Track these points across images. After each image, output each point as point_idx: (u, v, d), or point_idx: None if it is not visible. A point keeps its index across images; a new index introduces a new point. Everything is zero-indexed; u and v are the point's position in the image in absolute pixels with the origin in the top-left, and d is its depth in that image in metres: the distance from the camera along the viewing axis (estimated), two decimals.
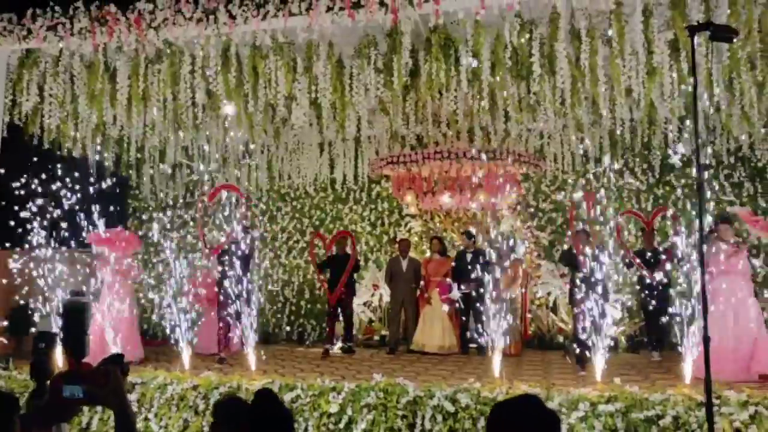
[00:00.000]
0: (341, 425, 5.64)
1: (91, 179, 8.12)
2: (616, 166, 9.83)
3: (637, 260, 8.25)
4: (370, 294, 10.09)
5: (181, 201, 11.78)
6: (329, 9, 6.15)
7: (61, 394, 1.88)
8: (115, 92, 7.05)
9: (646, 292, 8.04)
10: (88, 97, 7.14)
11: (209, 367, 7.21)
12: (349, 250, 9.12)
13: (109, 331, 7.55)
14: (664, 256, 8.07)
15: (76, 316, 2.24)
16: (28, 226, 7.60)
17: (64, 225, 7.63)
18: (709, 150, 9.38)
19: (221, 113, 7.59)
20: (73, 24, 6.79)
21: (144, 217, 11.95)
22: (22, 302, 7.86)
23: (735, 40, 4.15)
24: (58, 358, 2.21)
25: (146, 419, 6.04)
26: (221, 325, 7.97)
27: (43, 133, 7.81)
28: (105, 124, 7.98)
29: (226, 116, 7.98)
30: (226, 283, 7.38)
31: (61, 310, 2.19)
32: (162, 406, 6.11)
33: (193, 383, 6.25)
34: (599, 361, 6.34)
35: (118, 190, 8.34)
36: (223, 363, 7.69)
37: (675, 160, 8.58)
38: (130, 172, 10.94)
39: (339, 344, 8.91)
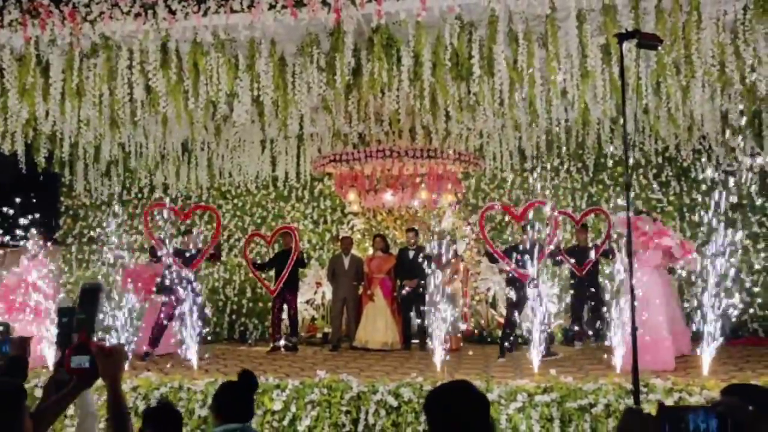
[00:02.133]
0: (285, 422, 5.67)
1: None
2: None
3: (566, 256, 8.64)
4: (313, 291, 10.10)
5: (116, 198, 11.50)
6: (271, 7, 6.13)
7: (69, 365, 2.15)
8: (47, 87, 6.83)
9: (577, 287, 8.44)
10: (18, 91, 6.89)
11: (149, 367, 7.09)
12: (293, 245, 9.12)
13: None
14: (592, 253, 8.41)
15: (90, 295, 2.46)
16: None
17: None
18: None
19: None
20: (3, 16, 6.52)
21: (80, 213, 11.60)
22: None
23: (660, 48, 4.39)
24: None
25: None
26: (159, 323, 8.13)
27: None
28: (36, 119, 7.71)
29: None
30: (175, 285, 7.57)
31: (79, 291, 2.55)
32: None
33: (133, 384, 6.14)
34: (535, 354, 6.59)
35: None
36: (147, 359, 7.84)
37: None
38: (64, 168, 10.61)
39: (282, 341, 8.88)
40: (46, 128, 7.75)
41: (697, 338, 6.49)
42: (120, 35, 6.57)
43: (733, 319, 6.51)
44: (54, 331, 7.27)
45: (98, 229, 11.36)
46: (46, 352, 7.27)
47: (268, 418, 5.70)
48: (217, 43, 6.48)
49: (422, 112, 7.60)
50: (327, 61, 6.50)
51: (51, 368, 6.78)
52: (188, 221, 9.24)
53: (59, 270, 8.59)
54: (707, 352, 6.14)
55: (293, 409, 5.73)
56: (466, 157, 9.14)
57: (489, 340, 9.25)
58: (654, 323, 6.46)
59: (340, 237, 9.96)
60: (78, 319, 2.39)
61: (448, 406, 2.04)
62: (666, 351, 6.47)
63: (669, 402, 5.23)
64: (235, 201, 11.30)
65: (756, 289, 9.43)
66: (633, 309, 3.59)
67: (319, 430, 5.61)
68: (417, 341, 8.78)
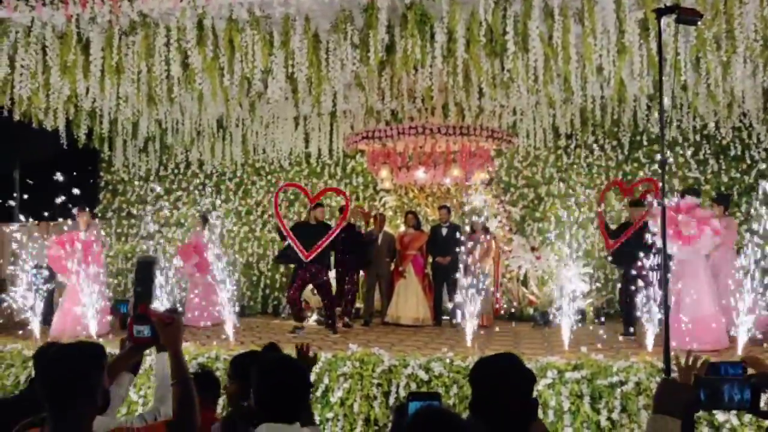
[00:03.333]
0: (318, 393, 5.80)
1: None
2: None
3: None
4: None
5: (153, 174, 11.74)
6: None
7: (132, 334, 2.36)
8: (88, 64, 6.99)
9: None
10: (60, 68, 7.06)
11: (187, 338, 7.30)
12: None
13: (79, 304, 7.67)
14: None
15: (145, 268, 2.67)
16: None
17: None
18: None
19: None
20: None
21: (119, 188, 11.89)
22: None
23: (700, 23, 4.31)
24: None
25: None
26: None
27: (14, 105, 7.74)
28: (77, 96, 7.90)
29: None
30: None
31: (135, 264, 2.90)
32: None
33: None
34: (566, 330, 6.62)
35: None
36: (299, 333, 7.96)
37: None
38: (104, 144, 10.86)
39: (315, 316, 9.05)
40: (86, 105, 7.96)
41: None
42: (158, 13, 6.67)
43: None
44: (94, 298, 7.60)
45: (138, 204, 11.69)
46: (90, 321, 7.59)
47: None
48: (252, 19, 6.54)
49: (455, 89, 7.57)
50: (361, 37, 6.51)
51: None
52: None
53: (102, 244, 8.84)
54: (742, 331, 6.10)
55: (326, 381, 5.86)
56: (499, 135, 9.09)
57: (525, 317, 9.27)
58: (700, 302, 6.41)
59: (373, 214, 10.02)
60: (135, 291, 2.59)
61: (496, 377, 2.04)
62: (716, 329, 6.40)
63: None
64: (269, 177, 11.43)
65: None
66: (666, 286, 3.59)
67: (351, 401, 5.73)
68: (448, 317, 8.85)
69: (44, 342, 5.06)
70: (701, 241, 6.45)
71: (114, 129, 9.96)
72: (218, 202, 11.17)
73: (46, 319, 8.20)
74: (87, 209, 8.46)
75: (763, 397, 2.01)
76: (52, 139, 9.21)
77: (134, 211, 11.76)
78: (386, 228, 9.52)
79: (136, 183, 11.81)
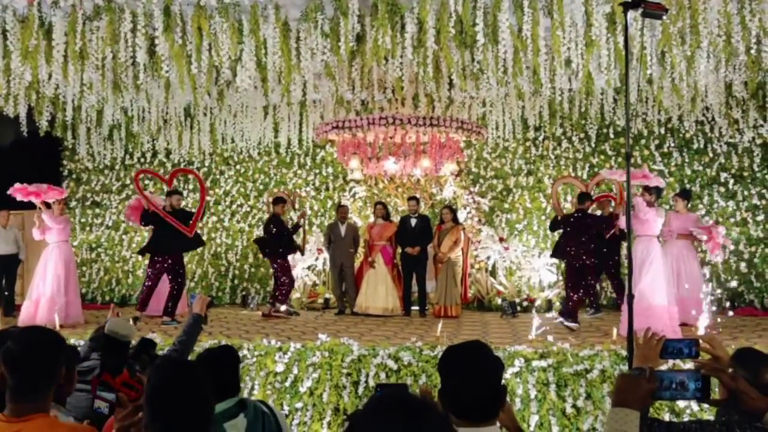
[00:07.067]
0: (287, 383, 5.80)
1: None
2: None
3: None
4: (314, 258, 10.20)
5: (119, 163, 11.54)
6: None
7: (95, 391, 2.54)
8: (50, 49, 6.81)
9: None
10: (21, 53, 6.87)
11: (153, 329, 7.22)
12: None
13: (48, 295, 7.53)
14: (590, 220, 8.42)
15: (119, 346, 3.08)
16: None
17: None
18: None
19: None
20: None
21: (83, 177, 11.65)
22: None
23: (665, 17, 4.39)
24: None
25: None
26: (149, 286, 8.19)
27: None
28: (39, 82, 7.70)
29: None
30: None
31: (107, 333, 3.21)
32: None
33: None
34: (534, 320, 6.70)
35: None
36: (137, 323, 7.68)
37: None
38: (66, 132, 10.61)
39: (285, 307, 9.02)
40: (48, 91, 7.76)
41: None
42: None
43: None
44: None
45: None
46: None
47: (270, 380, 5.83)
48: (221, 7, 6.45)
49: (425, 80, 7.59)
50: (331, 27, 6.48)
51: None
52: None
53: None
54: (702, 321, 6.26)
55: (295, 371, 5.86)
56: (468, 126, 9.13)
57: (493, 307, 9.36)
58: (647, 290, 6.53)
59: (338, 205, 10.02)
60: (103, 360, 2.90)
61: (465, 365, 2.05)
62: (659, 318, 6.54)
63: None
64: (238, 167, 11.32)
65: (755, 261, 9.51)
66: (630, 276, 3.66)
67: (321, 391, 5.74)
68: (417, 307, 8.90)
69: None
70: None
71: (78, 116, 9.72)
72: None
73: (7, 308, 8.02)
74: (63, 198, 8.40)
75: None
76: (12, 126, 8.97)
77: (99, 200, 11.56)
78: (357, 218, 9.52)
79: (101, 172, 11.59)
